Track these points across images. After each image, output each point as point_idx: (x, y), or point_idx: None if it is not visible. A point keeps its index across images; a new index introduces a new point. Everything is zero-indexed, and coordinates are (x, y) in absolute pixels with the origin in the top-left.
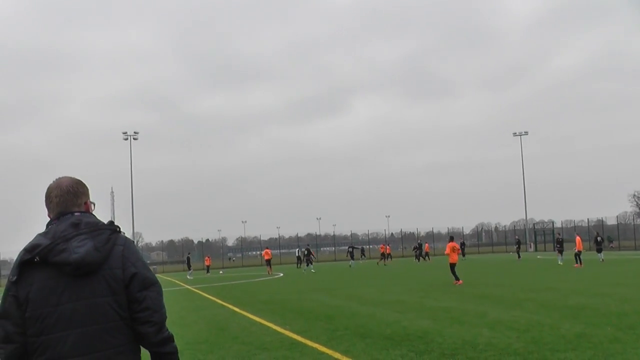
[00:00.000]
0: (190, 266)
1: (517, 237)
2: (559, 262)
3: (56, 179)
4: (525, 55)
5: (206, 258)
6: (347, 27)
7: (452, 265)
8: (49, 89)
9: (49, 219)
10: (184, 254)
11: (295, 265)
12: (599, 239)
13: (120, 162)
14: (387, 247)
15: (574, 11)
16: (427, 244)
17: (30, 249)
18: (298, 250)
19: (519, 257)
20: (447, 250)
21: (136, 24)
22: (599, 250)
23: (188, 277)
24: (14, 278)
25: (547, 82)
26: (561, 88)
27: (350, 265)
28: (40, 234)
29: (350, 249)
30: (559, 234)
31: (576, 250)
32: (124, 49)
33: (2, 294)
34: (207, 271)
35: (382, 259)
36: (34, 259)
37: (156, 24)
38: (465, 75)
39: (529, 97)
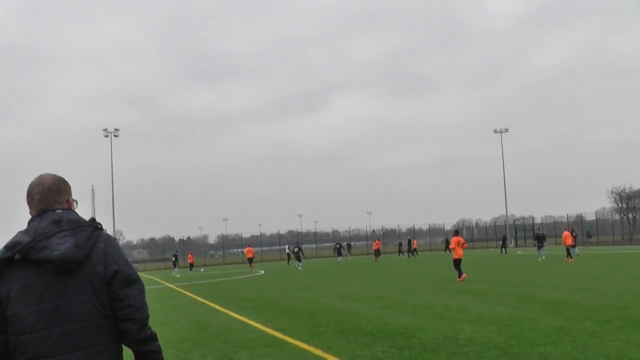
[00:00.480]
0: (177, 264)
1: (503, 233)
2: (541, 258)
3: (38, 176)
4: (505, 53)
5: (189, 255)
6: (329, 25)
7: (458, 261)
8: (29, 86)
9: (30, 217)
10: (166, 252)
11: (287, 262)
12: (574, 234)
13: (101, 159)
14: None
15: (553, 11)
16: (414, 241)
17: (10, 247)
18: (288, 247)
19: (505, 252)
20: (453, 244)
21: (117, 20)
22: (574, 245)
23: (175, 275)
24: None
25: (527, 80)
26: (541, 86)
27: (338, 262)
28: (21, 232)
29: (338, 246)
30: (539, 230)
31: (567, 245)
32: (104, 46)
33: None
34: (190, 269)
35: (377, 255)
36: (14, 257)
37: (138, 21)
38: (447, 73)
39: (510, 95)
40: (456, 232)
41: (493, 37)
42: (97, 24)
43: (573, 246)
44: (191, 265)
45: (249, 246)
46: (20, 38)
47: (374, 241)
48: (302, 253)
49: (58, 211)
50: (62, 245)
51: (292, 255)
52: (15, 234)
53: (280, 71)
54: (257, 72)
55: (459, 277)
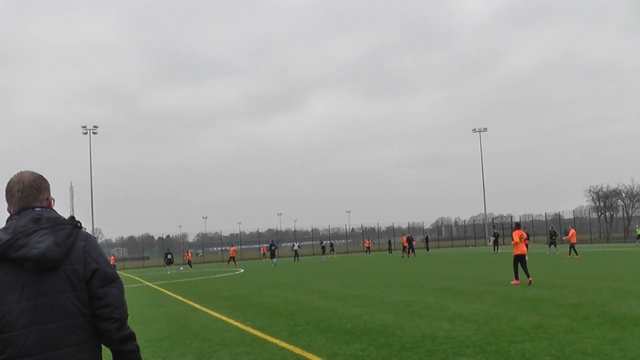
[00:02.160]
0: (170, 262)
1: (495, 231)
2: (555, 252)
3: (18, 173)
4: (480, 53)
5: (186, 253)
6: (305, 25)
7: (521, 258)
8: (3, 83)
9: (8, 214)
10: (145, 250)
11: (293, 259)
12: (554, 233)
13: (79, 157)
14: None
15: (527, 11)
16: (404, 237)
17: None
18: (295, 245)
19: (497, 250)
20: (516, 239)
21: (94, 18)
22: (553, 243)
23: (174, 271)
24: None
25: (502, 80)
26: (516, 86)
27: (323, 260)
28: (2, 229)
29: (323, 244)
30: (524, 228)
31: (570, 242)
32: (80, 44)
33: None
34: (190, 265)
35: (404, 251)
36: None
37: (114, 19)
38: (423, 73)
39: (485, 95)
40: (517, 225)
41: (467, 37)
42: (72, 22)
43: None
44: (189, 262)
45: (232, 246)
46: None
47: (366, 240)
48: (276, 251)
49: (37, 209)
50: (41, 244)
51: (267, 254)
52: None
53: (256, 70)
54: (233, 70)
55: (516, 278)
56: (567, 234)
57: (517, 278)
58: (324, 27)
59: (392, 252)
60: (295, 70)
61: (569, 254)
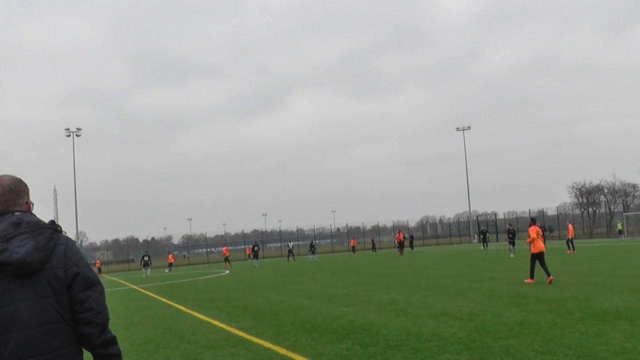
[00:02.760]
0: (147, 265)
1: (483, 228)
2: (511, 255)
3: None
4: (461, 53)
5: (170, 255)
6: (288, 25)
7: (539, 256)
8: None
9: None
10: (130, 253)
11: (286, 258)
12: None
13: (62, 160)
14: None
15: (507, 11)
16: (400, 233)
17: None
18: (290, 244)
19: (486, 247)
20: (533, 235)
21: (75, 20)
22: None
23: (147, 274)
24: None
25: (484, 79)
26: (497, 85)
27: (310, 260)
28: None
29: (312, 244)
30: (510, 225)
31: (568, 237)
32: (61, 46)
33: None
34: (169, 268)
35: (399, 248)
36: None
37: (96, 21)
38: (405, 73)
39: (467, 94)
40: (533, 220)
41: (449, 37)
42: (53, 24)
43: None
44: (170, 265)
45: (224, 246)
46: None
47: (352, 239)
48: (259, 252)
49: (17, 213)
50: (21, 248)
51: (251, 254)
52: None
53: (239, 71)
54: (216, 71)
55: (531, 277)
56: (551, 230)
57: (532, 277)
58: (306, 28)
59: (377, 250)
60: (277, 70)
61: (569, 250)
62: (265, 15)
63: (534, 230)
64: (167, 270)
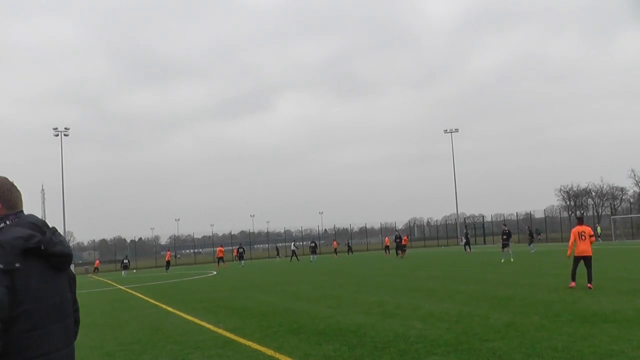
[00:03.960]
0: (126, 267)
1: (466, 230)
2: (506, 259)
3: (4, 177)
4: (445, 56)
5: (168, 253)
6: (272, 27)
7: (584, 260)
8: None
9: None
10: (117, 253)
11: (289, 258)
12: (537, 233)
13: (48, 160)
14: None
15: (491, 14)
16: (405, 237)
17: (27, 238)
18: (293, 244)
19: (470, 249)
20: (573, 237)
21: (61, 19)
22: (531, 242)
23: (124, 276)
24: (15, 266)
25: (468, 82)
26: (482, 88)
27: (311, 260)
28: (15, 225)
29: (313, 244)
30: (505, 226)
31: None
32: (46, 45)
33: None
34: (167, 268)
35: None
36: (39, 248)
37: (81, 20)
38: (390, 75)
39: (452, 96)
40: (579, 220)
41: (433, 39)
42: (38, 23)
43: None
44: (167, 264)
45: (220, 246)
46: None
47: (334, 241)
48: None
49: (23, 212)
50: (66, 242)
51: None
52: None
53: (225, 71)
54: (201, 72)
55: (573, 280)
56: (538, 233)
57: (574, 279)
58: (291, 29)
59: (352, 252)
60: (263, 71)
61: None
62: (250, 16)
63: (574, 233)
64: (167, 271)
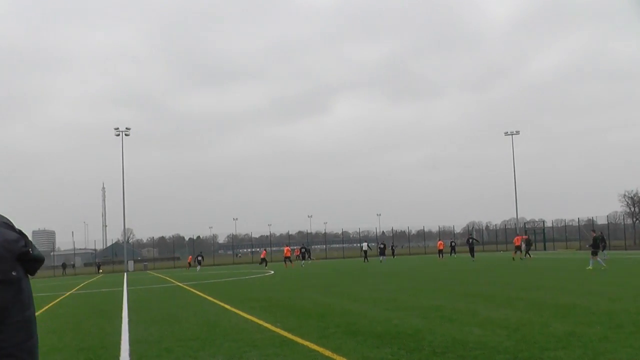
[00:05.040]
0: (200, 262)
1: (527, 236)
2: (595, 266)
3: None
4: (505, 57)
5: (264, 251)
6: (329, 28)
7: None
8: (34, 87)
9: None
10: (175, 250)
11: (363, 259)
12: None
13: (109, 159)
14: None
15: (551, 14)
16: (440, 242)
17: (17, 241)
18: (366, 244)
19: (530, 255)
20: None
21: (122, 23)
22: (603, 248)
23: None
24: (12, 275)
25: (528, 82)
26: (542, 89)
27: (381, 261)
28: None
29: (382, 246)
30: (594, 231)
31: None
32: (109, 48)
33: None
34: (265, 264)
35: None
36: (27, 252)
37: (142, 24)
38: (447, 76)
39: (511, 97)
40: None
41: (492, 40)
42: (102, 27)
43: None
44: (264, 260)
45: (264, 249)
46: (26, 41)
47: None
48: (310, 253)
49: None
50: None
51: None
52: None
53: (281, 73)
54: (257, 74)
55: None
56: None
57: None
58: (347, 31)
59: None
60: (319, 73)
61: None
62: (307, 18)
63: None
64: (264, 265)
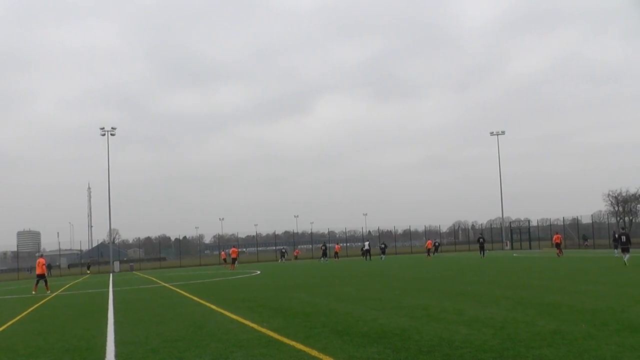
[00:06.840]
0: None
1: (480, 236)
2: (622, 259)
3: None
4: (486, 58)
5: (233, 249)
6: (313, 30)
7: None
8: (17, 87)
9: None
10: (161, 251)
11: (364, 258)
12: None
13: (93, 159)
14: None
15: (533, 16)
16: (430, 241)
17: None
18: (367, 244)
19: (483, 254)
20: None
21: (104, 24)
22: (616, 247)
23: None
24: None
25: (510, 84)
26: (523, 90)
27: (381, 259)
28: None
29: (383, 246)
30: (617, 230)
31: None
32: (92, 49)
33: None
34: (234, 263)
35: (428, 253)
36: None
37: (124, 25)
38: (430, 77)
39: (495, 98)
40: None
41: (474, 42)
42: (82, 28)
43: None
44: (234, 260)
45: (234, 247)
46: (8, 41)
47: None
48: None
49: None
50: None
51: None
52: None
53: (264, 75)
54: (241, 75)
55: None
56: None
57: None
58: (330, 31)
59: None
60: (303, 74)
61: None
62: (290, 19)
63: None
64: (234, 265)
